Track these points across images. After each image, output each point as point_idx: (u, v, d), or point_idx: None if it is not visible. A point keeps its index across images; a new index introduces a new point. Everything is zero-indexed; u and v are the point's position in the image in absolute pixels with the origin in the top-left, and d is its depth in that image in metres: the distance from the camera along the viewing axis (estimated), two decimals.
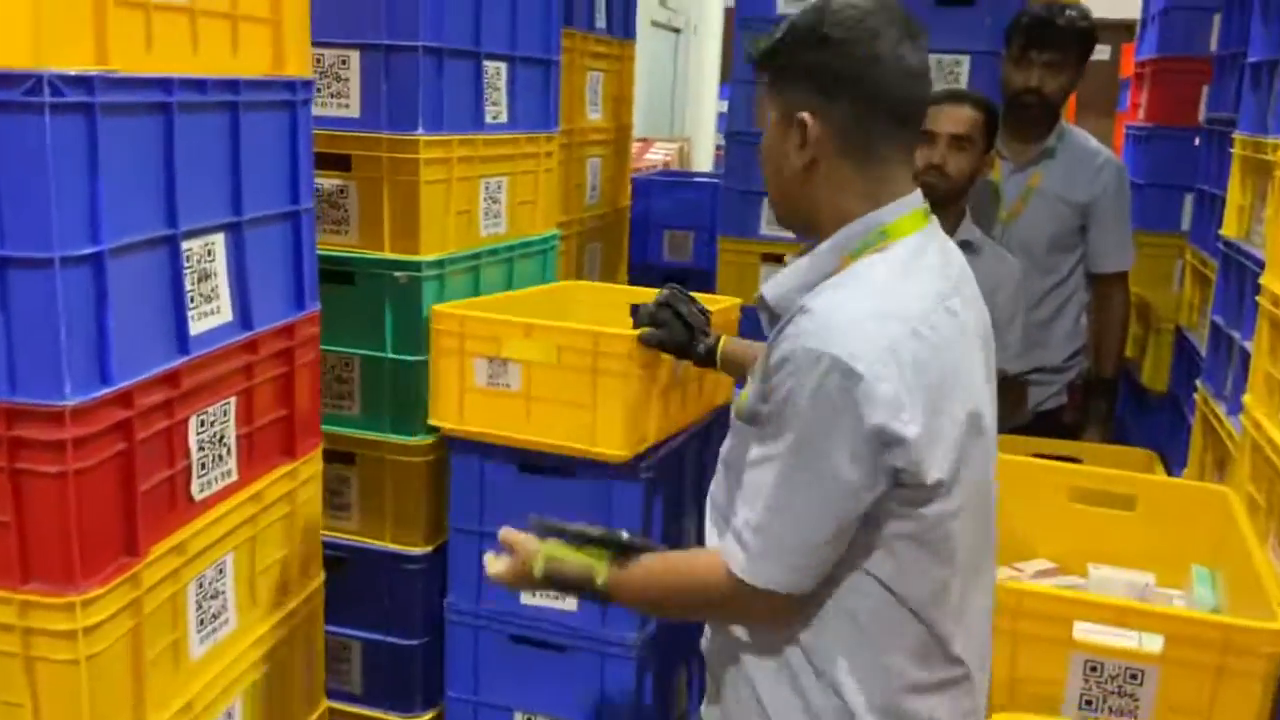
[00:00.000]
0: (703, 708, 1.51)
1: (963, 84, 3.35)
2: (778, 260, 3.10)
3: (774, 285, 1.36)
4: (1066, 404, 3.08)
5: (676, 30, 8.89)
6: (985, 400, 1.35)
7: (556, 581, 1.44)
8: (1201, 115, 3.71)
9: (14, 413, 1.28)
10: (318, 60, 2.13)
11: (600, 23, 3.10)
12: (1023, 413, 2.83)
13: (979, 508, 1.34)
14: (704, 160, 7.67)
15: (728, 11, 8.33)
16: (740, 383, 1.81)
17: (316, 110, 2.14)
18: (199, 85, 1.46)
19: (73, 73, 1.23)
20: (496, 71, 2.35)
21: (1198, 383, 2.73)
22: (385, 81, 2.12)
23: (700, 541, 1.51)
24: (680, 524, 2.27)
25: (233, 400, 1.61)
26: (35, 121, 1.21)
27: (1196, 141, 3.67)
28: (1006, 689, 1.68)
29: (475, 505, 2.22)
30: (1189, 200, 3.75)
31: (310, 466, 1.84)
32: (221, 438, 1.60)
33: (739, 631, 1.38)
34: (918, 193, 1.36)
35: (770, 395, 1.27)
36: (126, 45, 1.32)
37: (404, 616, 2.30)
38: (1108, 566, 2.08)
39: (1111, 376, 3.01)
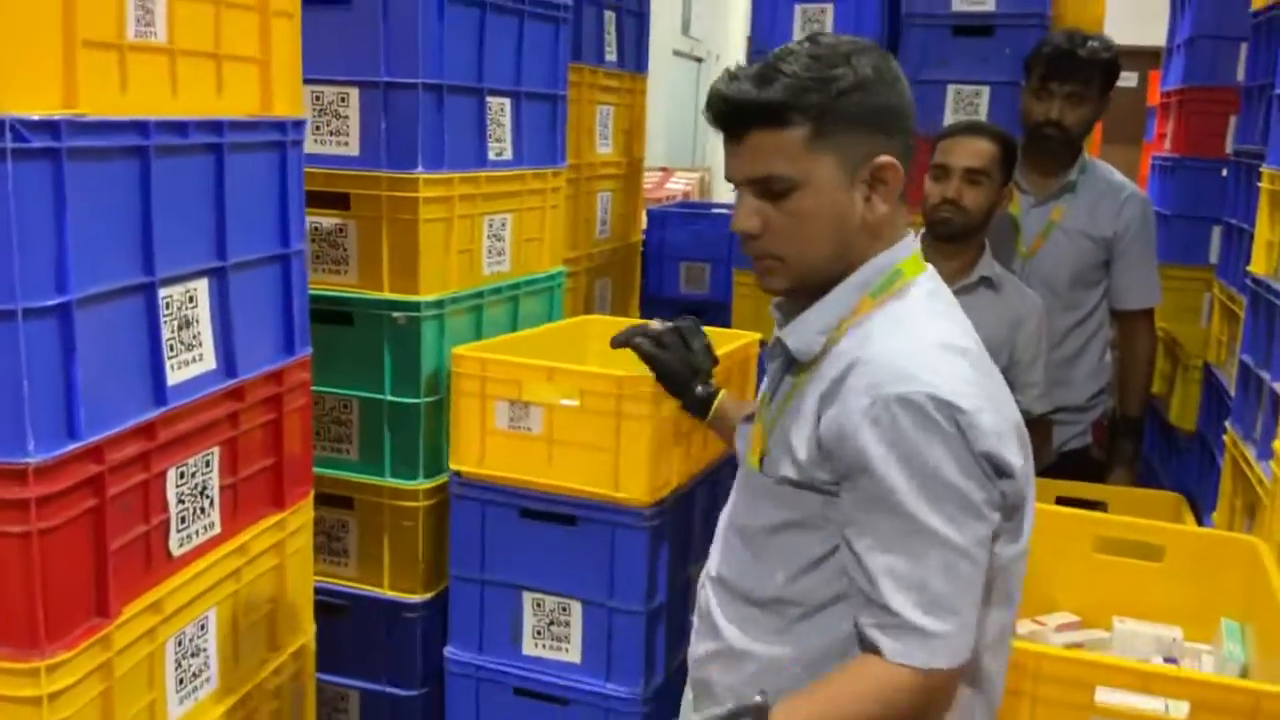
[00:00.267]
0: None
1: (982, 115, 3.29)
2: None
3: (797, 333, 1.27)
4: (1092, 443, 3.00)
5: (699, 60, 8.89)
6: None
7: None
8: (1229, 146, 3.62)
9: None
10: (316, 98, 2.09)
11: (610, 56, 3.05)
12: (1047, 453, 2.75)
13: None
14: (725, 189, 7.63)
15: (750, 41, 8.32)
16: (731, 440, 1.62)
17: (315, 148, 2.10)
18: (179, 127, 1.42)
19: (36, 117, 1.18)
20: (500, 108, 2.30)
21: (1227, 424, 2.64)
22: (384, 119, 2.08)
23: None
24: (686, 572, 2.20)
25: (216, 450, 1.56)
26: None
27: (1224, 173, 3.58)
28: None
29: (477, 552, 2.17)
30: (1217, 233, 3.67)
31: (300, 516, 1.78)
32: (204, 489, 1.54)
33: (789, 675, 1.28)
34: (912, 233, 1.32)
35: (848, 460, 1.18)
36: (98, 87, 1.27)
37: (403, 666, 2.24)
38: (1133, 620, 2.00)
39: (1137, 416, 2.92)
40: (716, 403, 1.68)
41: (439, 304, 2.17)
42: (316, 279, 2.15)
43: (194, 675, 1.56)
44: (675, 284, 4.14)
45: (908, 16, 3.32)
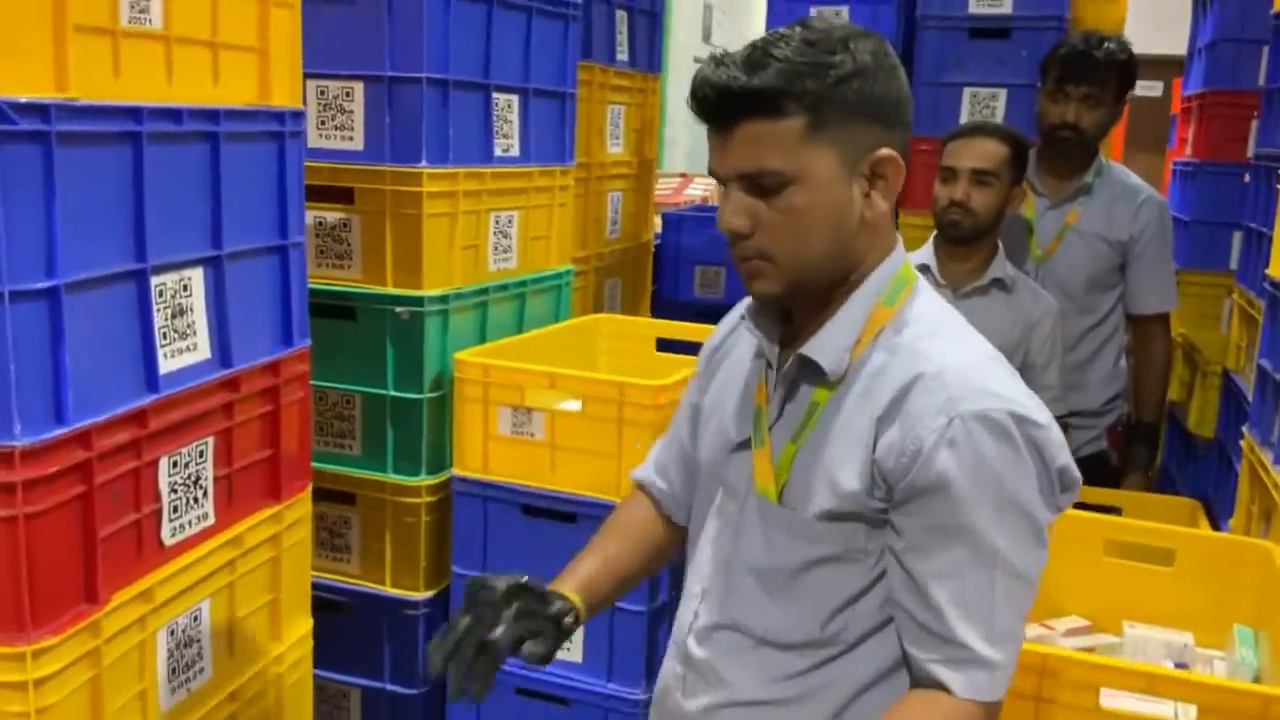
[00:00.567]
0: None
1: (999, 118, 3.26)
2: None
3: (826, 350, 1.17)
4: (1107, 449, 2.96)
5: None
6: None
7: None
8: (1250, 150, 3.57)
9: None
10: (321, 92, 2.09)
11: (622, 55, 3.04)
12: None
13: None
14: None
15: None
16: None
17: (320, 143, 2.10)
18: (174, 115, 1.41)
19: (25, 100, 1.18)
20: (507, 104, 2.29)
21: (1244, 429, 2.60)
22: (389, 113, 2.08)
23: None
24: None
25: (210, 440, 1.55)
26: None
27: (1246, 178, 3.53)
28: None
29: (479, 549, 2.16)
30: (1237, 238, 3.62)
31: (297, 509, 1.77)
32: (197, 479, 1.53)
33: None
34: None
35: (918, 484, 1.10)
36: (90, 72, 1.27)
37: (404, 664, 2.22)
38: (1144, 625, 1.96)
39: (1152, 421, 2.89)
40: (582, 607, 1.32)
41: (443, 299, 2.16)
42: (320, 274, 2.14)
43: (187, 666, 1.55)
44: (690, 288, 4.12)
45: (923, 18, 3.30)
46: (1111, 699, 1.57)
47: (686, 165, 7.37)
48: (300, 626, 1.81)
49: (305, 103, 1.88)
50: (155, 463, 1.45)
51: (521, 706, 2.15)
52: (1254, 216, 3.17)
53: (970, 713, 1.10)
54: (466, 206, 2.20)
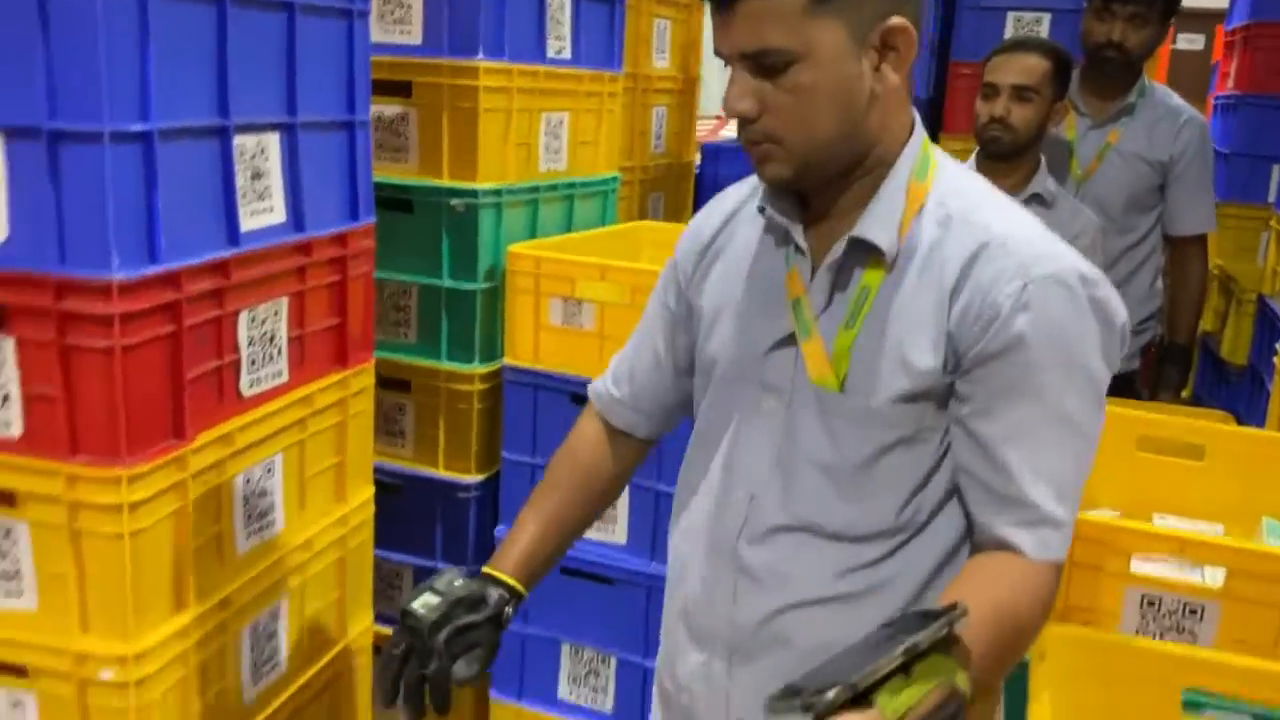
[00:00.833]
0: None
1: None
2: None
3: (880, 232, 1.15)
4: (1139, 369, 3.00)
5: None
6: None
7: None
8: None
9: (64, 285, 1.30)
10: None
11: None
12: None
13: None
14: None
15: None
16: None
17: (379, 37, 2.16)
18: None
19: None
20: (560, 5, 2.34)
21: (1278, 346, 2.64)
22: (447, 7, 2.13)
23: None
24: None
25: (284, 301, 1.63)
26: None
27: None
28: (1057, 618, 1.63)
29: (528, 436, 2.24)
30: (1276, 171, 3.63)
31: (362, 379, 1.85)
32: (272, 337, 1.61)
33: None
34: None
35: (991, 348, 1.10)
36: None
37: (456, 544, 2.32)
38: (1174, 517, 2.02)
39: (1185, 343, 2.92)
40: (522, 586, 1.34)
41: (496, 193, 2.23)
42: (378, 166, 2.20)
43: (260, 515, 1.64)
44: None
45: None
46: (1142, 564, 1.63)
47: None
48: (363, 492, 1.90)
49: None
50: (235, 315, 1.52)
51: (566, 585, 2.23)
52: None
53: (1044, 572, 1.12)
54: (520, 104, 2.26)
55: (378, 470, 2.06)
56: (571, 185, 2.48)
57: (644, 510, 2.16)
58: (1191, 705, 1.42)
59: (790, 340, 1.20)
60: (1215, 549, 1.60)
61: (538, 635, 2.29)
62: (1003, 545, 1.13)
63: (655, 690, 1.41)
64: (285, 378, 1.65)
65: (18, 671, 1.43)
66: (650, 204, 3.20)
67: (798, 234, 1.19)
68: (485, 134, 2.18)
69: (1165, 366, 2.93)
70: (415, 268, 2.25)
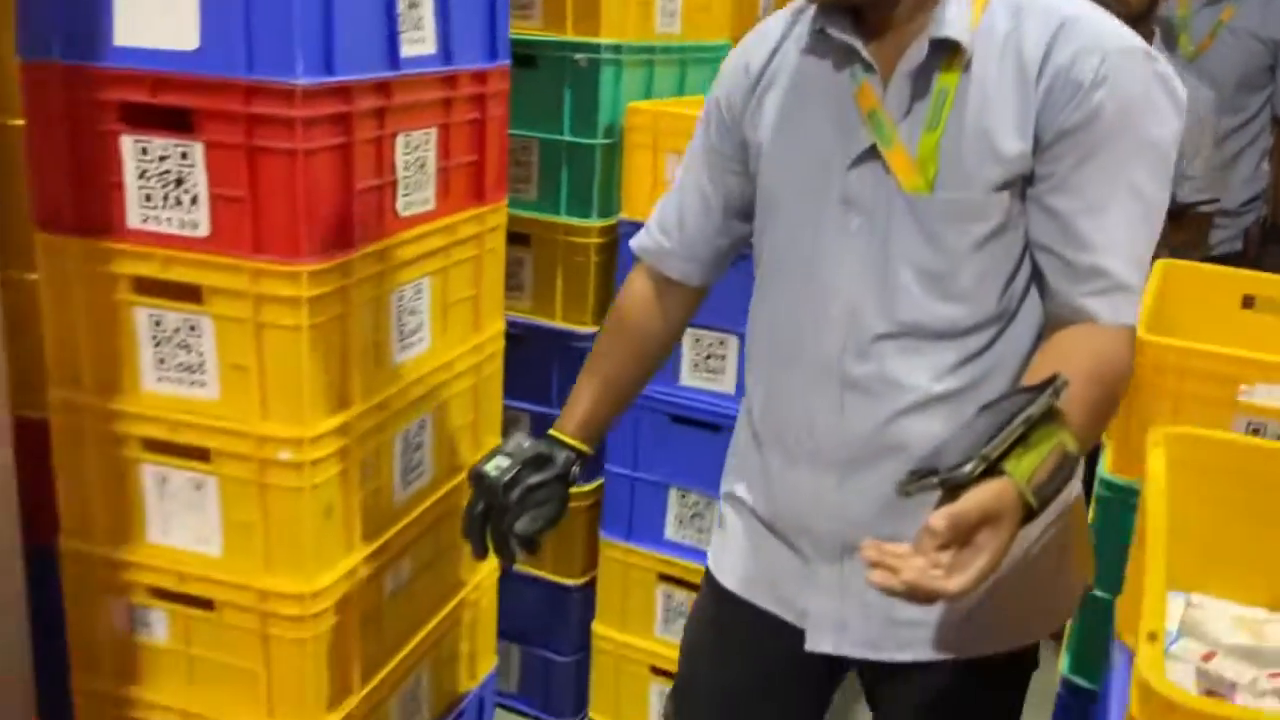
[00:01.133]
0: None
1: None
2: None
3: (956, 29, 1.19)
4: (1243, 250, 3.01)
5: None
6: None
7: (1048, 495, 1.02)
8: None
9: (252, 90, 1.41)
10: None
11: None
12: (1202, 248, 2.79)
13: None
14: None
15: None
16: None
17: None
18: None
19: None
20: None
21: None
22: None
23: None
24: None
25: (433, 132, 1.73)
26: None
27: None
28: None
29: None
30: None
31: (497, 216, 1.95)
32: (423, 165, 1.72)
33: None
34: None
35: (1070, 123, 1.16)
36: None
37: (569, 388, 2.42)
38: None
39: None
40: (586, 447, 1.48)
41: (617, 49, 2.30)
42: None
43: (411, 332, 1.76)
44: None
45: None
46: (1249, 394, 1.69)
47: None
48: (495, 325, 2.01)
49: None
50: (394, 137, 1.63)
51: (675, 432, 2.34)
52: None
53: (1122, 337, 1.19)
54: None
55: None
56: (684, 50, 2.54)
57: None
58: None
59: (869, 154, 1.24)
60: None
61: (647, 480, 2.41)
62: (1080, 313, 1.20)
63: (734, 521, 1.47)
64: (432, 205, 1.76)
65: (201, 455, 1.57)
66: None
67: (863, 49, 1.22)
68: None
69: (1269, 247, 2.95)
70: (537, 124, 2.34)
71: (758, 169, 1.36)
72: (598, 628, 2.60)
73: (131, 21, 1.45)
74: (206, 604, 1.62)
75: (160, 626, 1.66)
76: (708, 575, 1.52)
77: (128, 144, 1.47)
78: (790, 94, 1.31)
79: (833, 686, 1.50)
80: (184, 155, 1.46)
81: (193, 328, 1.53)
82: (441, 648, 1.98)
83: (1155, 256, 1.27)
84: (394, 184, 1.65)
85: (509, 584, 2.44)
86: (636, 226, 2.30)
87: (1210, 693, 1.22)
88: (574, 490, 2.20)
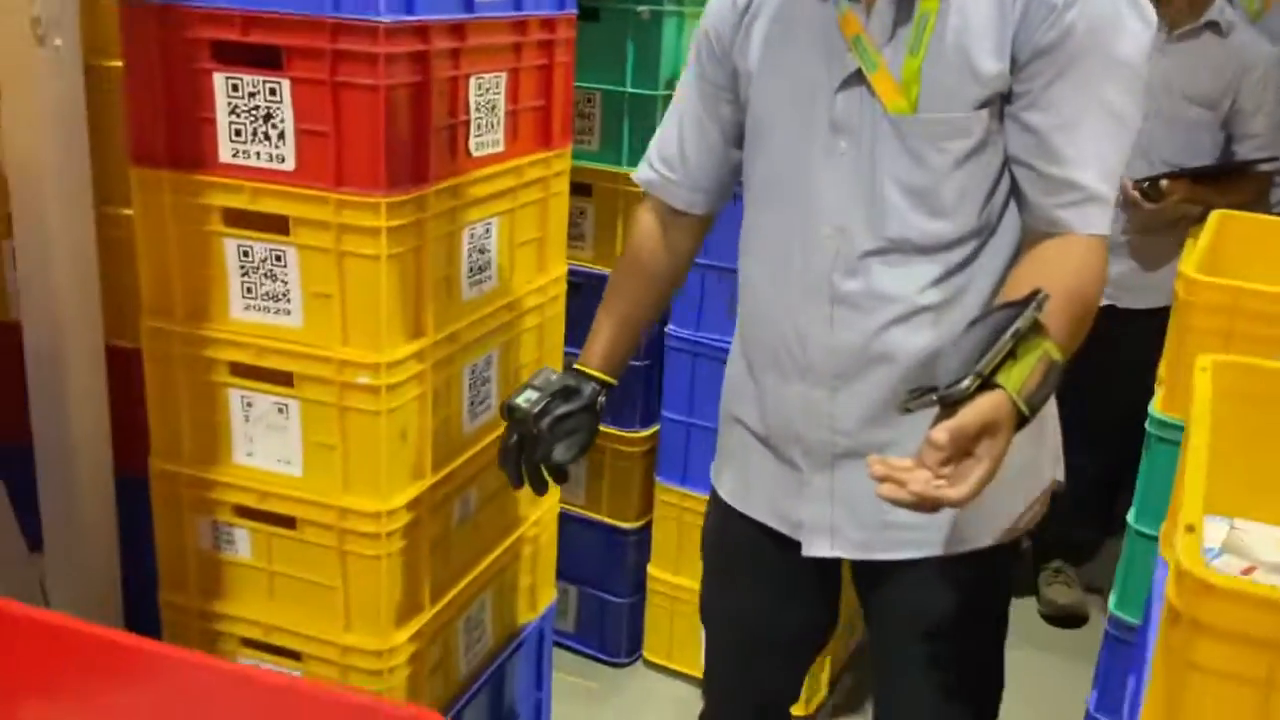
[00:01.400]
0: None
1: None
2: None
3: None
4: None
5: None
6: None
7: (1038, 403, 1.10)
8: None
9: (337, 27, 1.48)
10: None
11: None
12: (1262, 205, 2.79)
13: None
14: None
15: None
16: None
17: None
18: None
19: None
20: None
21: None
22: None
23: None
24: None
25: (504, 75, 1.80)
26: None
27: None
28: None
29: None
30: None
31: (562, 162, 2.02)
32: (493, 107, 1.79)
33: None
34: None
35: (1044, 41, 1.24)
36: None
37: None
38: None
39: None
40: (610, 378, 1.59)
41: (679, 0, 2.35)
42: None
43: (479, 270, 1.83)
44: None
45: None
46: None
47: None
48: (559, 268, 2.08)
49: None
50: (467, 78, 1.70)
51: None
52: None
53: (1094, 246, 1.28)
54: None
55: None
56: None
57: None
58: None
59: (855, 79, 1.31)
60: None
61: (701, 425, 2.47)
62: (1054, 224, 1.28)
63: (732, 440, 1.57)
64: (502, 147, 1.83)
65: (285, 380, 1.66)
66: None
67: None
68: None
69: None
70: (599, 76, 2.40)
71: (748, 97, 1.43)
72: (653, 570, 2.68)
73: None
74: (288, 522, 1.71)
75: (244, 544, 1.76)
76: (713, 495, 1.63)
77: (219, 81, 1.56)
78: (776, 23, 1.38)
79: (835, 597, 1.61)
80: (272, 91, 1.54)
81: (278, 258, 1.61)
82: (504, 578, 2.06)
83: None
84: (466, 124, 1.72)
85: (568, 527, 2.52)
86: None
87: None
88: (631, 436, 2.35)
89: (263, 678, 1.30)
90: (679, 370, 2.48)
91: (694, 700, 2.49)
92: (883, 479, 1.05)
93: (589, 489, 2.65)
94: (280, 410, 1.68)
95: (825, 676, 2.64)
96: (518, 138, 1.87)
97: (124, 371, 1.86)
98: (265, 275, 1.63)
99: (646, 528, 2.67)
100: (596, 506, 2.66)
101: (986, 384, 1.06)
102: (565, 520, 2.52)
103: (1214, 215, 2.10)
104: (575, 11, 1.97)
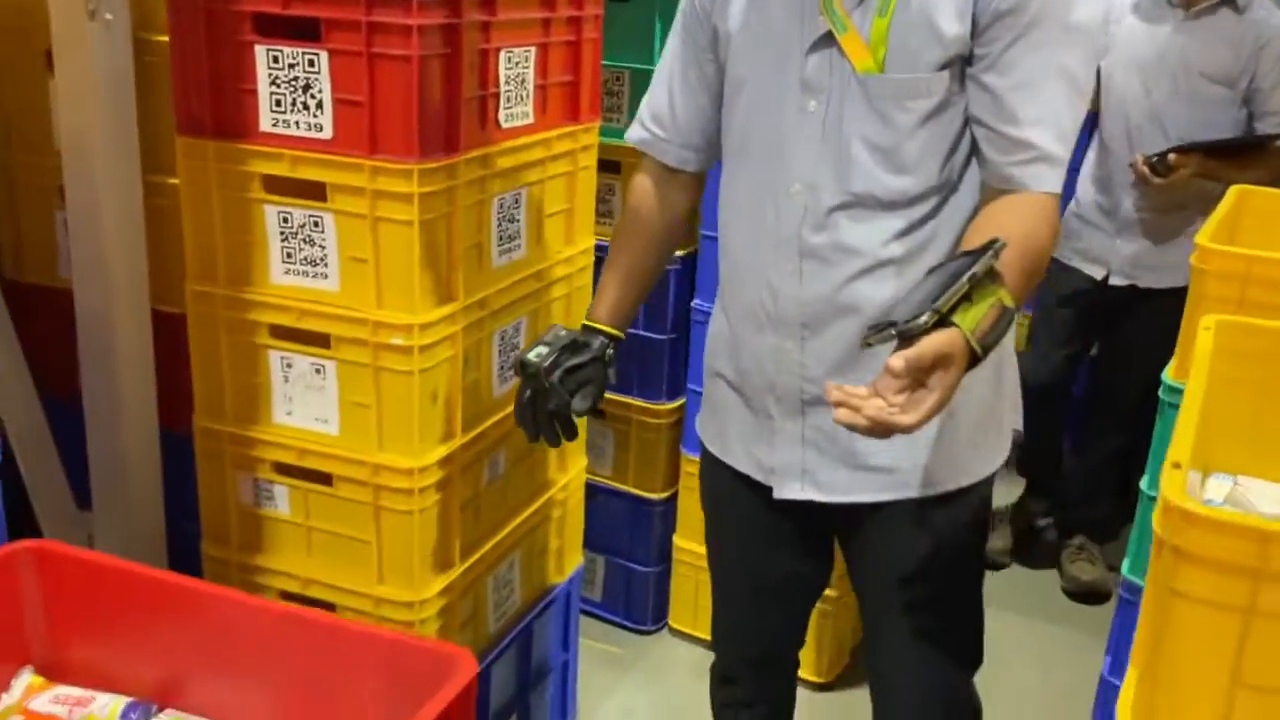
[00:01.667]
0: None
1: None
2: None
3: None
4: None
5: None
6: None
7: (990, 343, 1.15)
8: None
9: (373, 0, 1.55)
10: None
11: None
12: None
13: None
14: None
15: None
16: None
17: None
18: None
19: None
20: None
21: None
22: None
23: None
24: None
25: (533, 49, 1.86)
26: None
27: None
28: None
29: None
30: None
31: (590, 135, 2.08)
32: (523, 80, 1.85)
33: None
34: None
35: (1003, 6, 1.30)
36: None
37: (657, 315, 2.56)
38: None
39: None
40: (617, 331, 1.64)
41: None
42: None
43: (509, 239, 1.89)
44: None
45: None
46: None
47: None
48: (586, 240, 2.14)
49: None
50: (497, 52, 1.76)
51: None
52: None
53: (1048, 203, 1.34)
54: None
55: None
56: None
57: None
58: None
59: (825, 41, 1.38)
60: None
61: None
62: (1009, 181, 1.35)
63: (715, 394, 1.65)
64: (531, 120, 1.89)
65: (322, 341, 1.73)
66: None
67: None
68: None
69: None
70: (628, 55, 2.45)
71: (726, 57, 1.50)
72: (678, 541, 2.74)
73: None
74: (325, 478, 1.79)
75: (283, 500, 1.84)
76: (702, 448, 1.71)
77: (261, 53, 1.63)
78: None
79: (821, 547, 1.67)
80: (311, 62, 1.61)
81: (316, 223, 1.69)
82: (533, 539, 2.13)
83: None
84: (496, 96, 1.78)
85: (595, 498, 2.58)
86: None
87: None
88: (657, 409, 2.42)
89: (301, 614, 1.38)
90: (704, 343, 2.53)
91: None
92: (839, 404, 1.11)
93: (616, 460, 2.72)
94: (318, 371, 1.75)
95: (847, 644, 2.69)
96: (546, 111, 1.93)
97: (169, 335, 1.94)
98: (304, 240, 1.70)
99: (672, 498, 2.73)
100: (623, 478, 2.72)
101: (943, 322, 1.12)
102: (592, 491, 2.58)
103: (1233, 189, 2.13)
104: None
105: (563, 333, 1.58)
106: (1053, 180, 1.35)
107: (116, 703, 1.44)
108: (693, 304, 2.56)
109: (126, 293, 1.90)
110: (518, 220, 1.91)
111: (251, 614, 1.39)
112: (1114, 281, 2.92)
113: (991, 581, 3.30)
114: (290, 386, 1.78)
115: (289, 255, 1.72)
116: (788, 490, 1.54)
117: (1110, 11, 2.92)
